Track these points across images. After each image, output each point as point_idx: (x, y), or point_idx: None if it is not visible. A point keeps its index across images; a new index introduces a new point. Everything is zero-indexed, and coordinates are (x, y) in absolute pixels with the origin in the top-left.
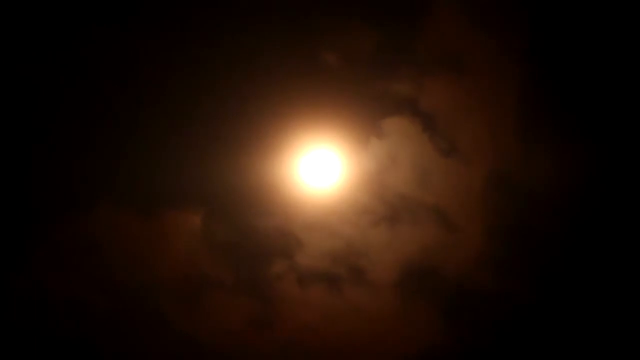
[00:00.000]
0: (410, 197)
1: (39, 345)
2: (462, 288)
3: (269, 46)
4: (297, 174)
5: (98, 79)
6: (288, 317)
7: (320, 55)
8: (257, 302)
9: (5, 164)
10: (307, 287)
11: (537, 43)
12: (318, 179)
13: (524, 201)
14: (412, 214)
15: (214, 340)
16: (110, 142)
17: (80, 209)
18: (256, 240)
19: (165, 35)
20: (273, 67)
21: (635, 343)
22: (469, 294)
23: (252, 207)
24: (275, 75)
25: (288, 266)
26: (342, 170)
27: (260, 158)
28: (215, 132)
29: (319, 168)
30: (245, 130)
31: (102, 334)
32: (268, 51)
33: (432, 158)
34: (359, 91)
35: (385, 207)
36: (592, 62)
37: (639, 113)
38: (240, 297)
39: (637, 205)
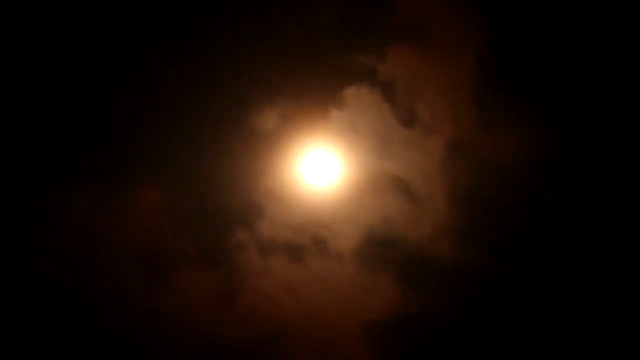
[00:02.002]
0: (372, 167)
1: None
2: (423, 257)
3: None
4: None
5: None
6: (251, 288)
7: (282, 28)
8: (219, 274)
9: None
10: (269, 257)
11: (496, 14)
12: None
13: (484, 170)
14: (374, 183)
15: (177, 313)
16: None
17: (37, 184)
18: (217, 212)
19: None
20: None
21: (587, 307)
22: (430, 262)
23: (213, 178)
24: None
25: (249, 236)
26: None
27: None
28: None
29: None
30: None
31: (63, 312)
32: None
33: (393, 128)
34: (319, 62)
35: (345, 177)
36: (550, 33)
37: (596, 83)
38: (203, 269)
39: (593, 172)
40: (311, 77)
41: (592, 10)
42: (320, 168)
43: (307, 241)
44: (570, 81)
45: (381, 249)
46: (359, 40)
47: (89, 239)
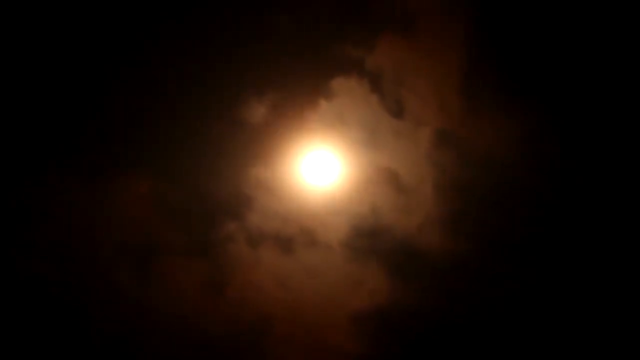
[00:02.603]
0: (360, 158)
1: None
2: (411, 247)
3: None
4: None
5: None
6: (240, 278)
7: (271, 20)
8: (208, 265)
9: None
10: (258, 248)
11: (482, 4)
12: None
13: (471, 160)
14: (362, 174)
15: (167, 305)
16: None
17: (25, 176)
18: (206, 203)
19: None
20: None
21: (574, 296)
22: (418, 252)
23: (202, 170)
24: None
25: (238, 227)
26: None
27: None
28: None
29: None
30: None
31: (51, 304)
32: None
33: (381, 119)
34: (308, 54)
35: (335, 168)
36: (536, 23)
37: (582, 72)
38: (192, 260)
39: (580, 160)
40: (300, 69)
41: (581, 4)
42: (309, 159)
43: (295, 232)
44: (556, 70)
45: (369, 240)
46: (348, 31)
47: (76, 229)
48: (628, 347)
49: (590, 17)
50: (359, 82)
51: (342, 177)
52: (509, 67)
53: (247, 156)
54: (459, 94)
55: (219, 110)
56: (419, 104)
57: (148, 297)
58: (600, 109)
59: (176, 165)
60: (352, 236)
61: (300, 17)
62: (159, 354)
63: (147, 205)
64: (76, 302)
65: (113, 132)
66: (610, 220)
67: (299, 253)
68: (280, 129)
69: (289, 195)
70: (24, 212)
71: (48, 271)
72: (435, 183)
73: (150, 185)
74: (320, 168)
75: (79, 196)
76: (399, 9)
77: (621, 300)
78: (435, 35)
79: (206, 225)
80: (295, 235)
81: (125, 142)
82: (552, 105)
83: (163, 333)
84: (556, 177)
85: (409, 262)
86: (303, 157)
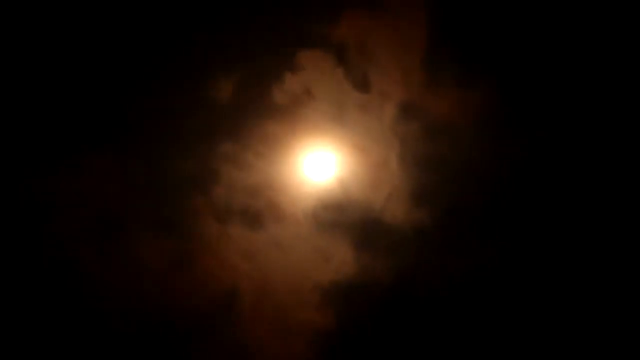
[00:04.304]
0: (326, 131)
1: None
2: (378, 220)
3: None
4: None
5: None
6: (207, 253)
7: None
8: (174, 240)
9: None
10: (224, 222)
11: None
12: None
13: (434, 133)
14: (328, 147)
15: (131, 281)
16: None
17: None
18: (172, 178)
19: None
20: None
21: (542, 266)
22: (384, 225)
23: (167, 145)
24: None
25: (205, 202)
26: None
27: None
28: None
29: None
30: None
31: (11, 281)
32: None
33: (346, 92)
34: (272, 27)
35: (300, 141)
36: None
37: (540, 46)
38: (158, 236)
39: (541, 130)
40: (265, 43)
41: None
42: (275, 132)
43: (262, 206)
44: (515, 42)
45: (337, 213)
46: (313, 5)
47: (39, 204)
48: (586, 315)
49: None
50: (326, 55)
51: (308, 149)
52: (470, 40)
53: (214, 132)
54: (421, 67)
55: (185, 86)
56: (383, 78)
57: (112, 273)
58: (559, 78)
59: (142, 140)
60: (320, 209)
61: None
62: (123, 331)
63: (111, 179)
64: (36, 277)
65: (76, 108)
66: (572, 189)
67: (267, 227)
68: (247, 104)
69: (255, 168)
70: None
71: (8, 242)
72: (400, 156)
73: (114, 161)
74: (287, 142)
75: (41, 169)
76: None
77: (584, 271)
78: (399, 9)
79: (172, 199)
80: (261, 209)
81: (90, 116)
82: (512, 76)
83: (127, 309)
84: (518, 148)
85: (376, 234)
86: (271, 132)
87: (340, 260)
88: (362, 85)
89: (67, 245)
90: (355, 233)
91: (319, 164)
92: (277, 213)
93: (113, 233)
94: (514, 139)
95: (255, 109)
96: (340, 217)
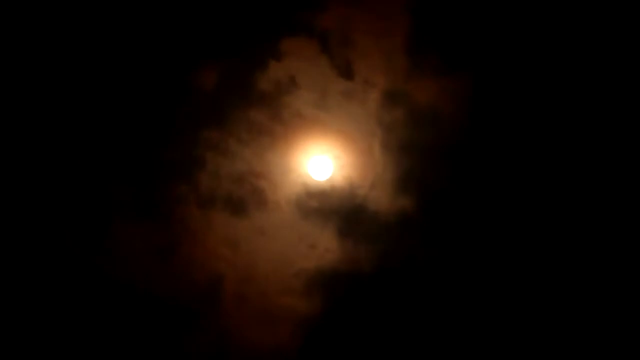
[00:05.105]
0: (310, 118)
1: None
2: (361, 207)
3: None
4: None
5: None
6: (190, 240)
7: None
8: (158, 227)
9: None
10: (208, 209)
11: None
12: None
13: (418, 120)
14: (312, 134)
15: (113, 268)
16: None
17: None
18: (155, 164)
19: None
20: None
21: (525, 251)
22: (368, 212)
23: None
24: None
25: (189, 189)
26: None
27: None
28: None
29: None
30: None
31: None
32: None
33: (330, 79)
34: (256, 14)
35: (285, 128)
36: None
37: (527, 33)
38: (141, 223)
39: (526, 119)
40: (249, 30)
41: None
42: (259, 119)
43: (246, 193)
44: (499, 30)
45: (321, 200)
46: None
47: None
48: (561, 299)
49: None
50: (310, 42)
51: (292, 137)
52: (454, 27)
53: (198, 119)
54: (405, 54)
55: (168, 73)
56: (367, 65)
57: (93, 260)
58: (545, 66)
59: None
60: (304, 197)
61: None
62: (104, 320)
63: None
64: (17, 273)
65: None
66: (554, 175)
67: (251, 214)
68: (231, 91)
69: (239, 156)
70: None
71: None
72: (384, 143)
73: None
74: (271, 129)
75: None
76: None
77: (569, 253)
78: None
79: (155, 188)
80: (246, 197)
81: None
82: (496, 63)
83: (109, 297)
84: (503, 135)
85: (360, 221)
86: (253, 117)
87: (324, 247)
88: (346, 72)
89: (49, 231)
90: (340, 220)
91: (303, 152)
92: (261, 200)
93: (94, 219)
94: (499, 126)
95: (239, 97)
96: (324, 204)
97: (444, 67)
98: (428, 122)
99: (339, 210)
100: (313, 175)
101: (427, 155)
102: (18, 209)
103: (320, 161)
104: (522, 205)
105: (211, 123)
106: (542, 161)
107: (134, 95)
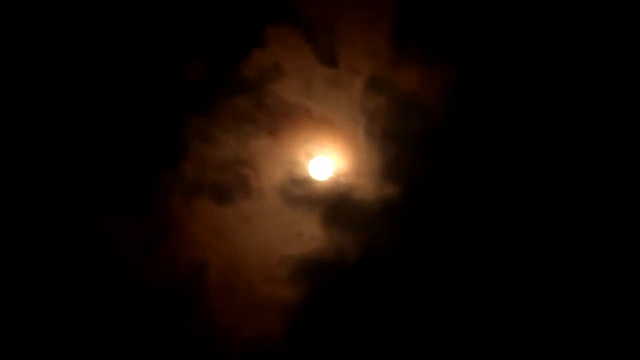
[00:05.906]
0: (295, 106)
1: None
2: (346, 195)
3: None
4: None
5: None
6: (175, 229)
7: None
8: (142, 217)
9: None
10: (193, 198)
11: None
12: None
13: (403, 107)
14: (297, 122)
15: (98, 259)
16: None
17: None
18: (140, 152)
19: None
20: None
21: (511, 240)
22: (351, 200)
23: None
24: None
25: (173, 178)
26: None
27: None
28: None
29: None
30: None
31: None
32: None
33: (314, 67)
34: (240, 1)
35: (269, 116)
36: None
37: (511, 28)
38: (125, 213)
39: (511, 108)
40: (233, 18)
41: None
42: (243, 107)
43: (231, 181)
44: (489, 16)
45: (305, 188)
46: None
47: None
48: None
49: None
50: (294, 30)
51: (278, 126)
52: (439, 15)
53: (182, 107)
54: (390, 42)
55: (153, 61)
56: (351, 53)
57: (78, 251)
58: (531, 55)
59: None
60: (289, 184)
61: None
62: (90, 309)
63: None
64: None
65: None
66: (539, 162)
67: (236, 202)
68: (216, 80)
69: (224, 144)
70: None
71: None
72: (368, 130)
73: None
74: (256, 117)
75: None
76: None
77: (555, 244)
78: None
79: (141, 176)
80: (231, 185)
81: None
82: (481, 51)
83: (95, 287)
84: (487, 122)
85: (345, 209)
86: (239, 107)
87: (309, 234)
88: (330, 60)
89: (36, 223)
90: (325, 207)
91: (287, 139)
92: (246, 188)
93: (79, 210)
94: (483, 114)
95: (224, 85)
96: (309, 192)
97: (428, 55)
98: (412, 109)
99: (324, 198)
100: (298, 163)
101: (412, 143)
102: (1, 200)
103: (305, 149)
104: (508, 193)
105: (195, 111)
106: (527, 148)
107: (118, 85)
